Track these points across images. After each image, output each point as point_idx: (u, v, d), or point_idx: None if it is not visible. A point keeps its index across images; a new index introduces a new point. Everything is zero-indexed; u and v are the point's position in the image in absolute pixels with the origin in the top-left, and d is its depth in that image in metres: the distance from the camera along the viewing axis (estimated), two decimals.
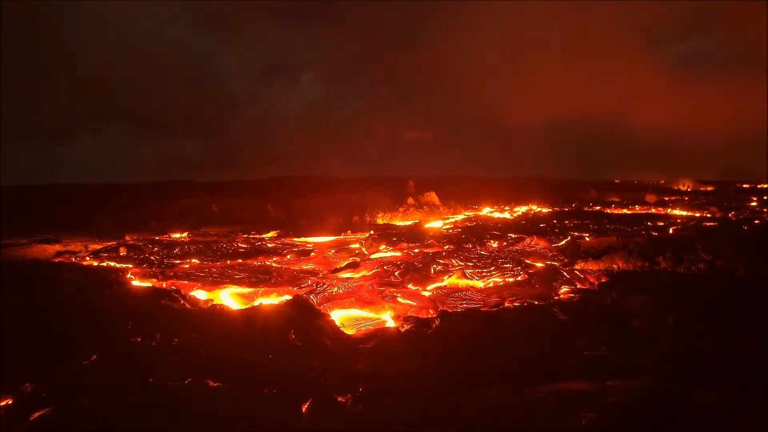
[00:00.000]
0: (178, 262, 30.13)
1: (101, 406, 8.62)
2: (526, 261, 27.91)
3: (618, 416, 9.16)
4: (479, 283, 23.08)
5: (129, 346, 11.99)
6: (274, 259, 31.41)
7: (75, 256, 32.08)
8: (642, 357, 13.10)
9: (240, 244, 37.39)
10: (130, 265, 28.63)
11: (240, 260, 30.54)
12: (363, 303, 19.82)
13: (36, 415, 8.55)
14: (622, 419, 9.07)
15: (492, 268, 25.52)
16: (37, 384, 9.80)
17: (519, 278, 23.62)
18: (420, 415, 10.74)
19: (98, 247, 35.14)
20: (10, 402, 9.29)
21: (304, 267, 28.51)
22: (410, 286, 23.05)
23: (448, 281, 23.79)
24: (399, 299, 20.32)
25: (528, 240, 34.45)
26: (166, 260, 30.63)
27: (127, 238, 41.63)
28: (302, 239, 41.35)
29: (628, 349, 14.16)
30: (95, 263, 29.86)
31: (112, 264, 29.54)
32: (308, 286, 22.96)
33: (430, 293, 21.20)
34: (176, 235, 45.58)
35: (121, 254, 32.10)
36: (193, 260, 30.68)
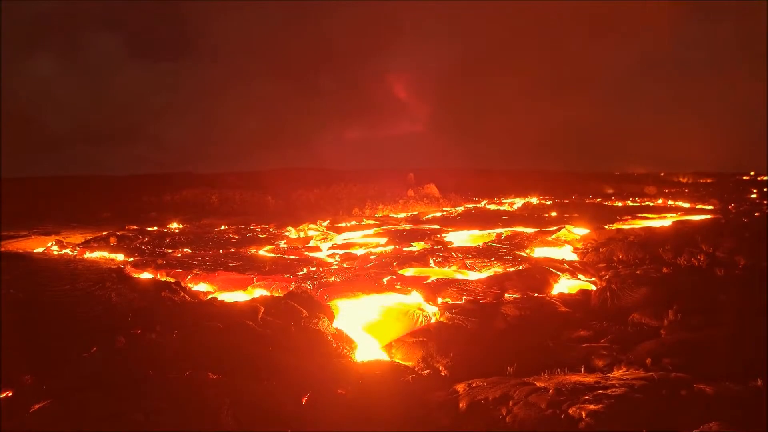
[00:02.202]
0: (169, 251, 30.11)
1: (101, 398, 8.60)
2: (526, 252, 27.85)
3: (619, 407, 9.15)
4: (480, 274, 22.95)
5: (129, 338, 11.95)
6: (268, 248, 31.51)
7: (74, 247, 32.10)
8: (643, 349, 13.10)
9: (231, 235, 37.50)
10: (121, 255, 28.65)
11: (232, 249, 30.57)
12: (364, 292, 19.69)
13: (36, 407, 8.52)
14: (622, 410, 9.06)
15: (492, 259, 25.29)
16: (37, 376, 9.78)
17: (520, 267, 23.49)
18: (419, 407, 10.76)
19: (91, 238, 35.14)
20: (10, 394, 9.27)
21: (300, 256, 28.59)
22: (408, 273, 23.02)
23: (449, 271, 23.76)
24: (398, 287, 20.23)
25: (528, 232, 34.41)
26: (157, 249, 30.65)
27: (128, 228, 41.77)
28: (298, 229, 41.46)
29: (629, 341, 14.17)
30: (88, 252, 29.87)
31: (102, 254, 29.59)
32: (304, 274, 22.94)
33: (430, 283, 21.03)
34: (174, 226, 45.72)
35: (112, 244, 32.07)
36: (185, 249, 30.68)
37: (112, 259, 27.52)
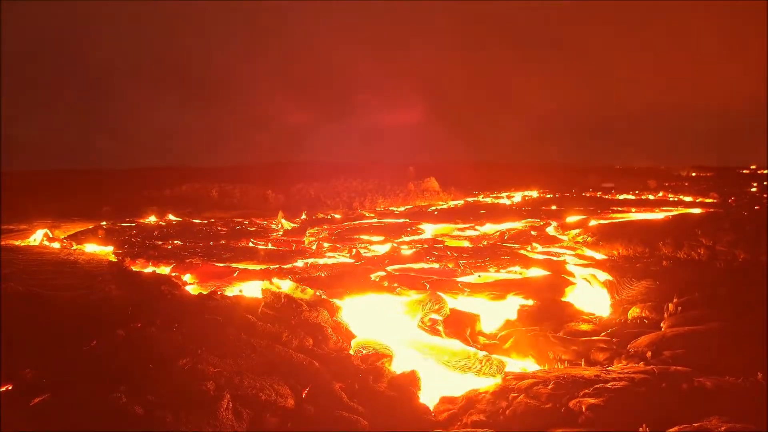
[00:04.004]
0: (159, 243, 30.14)
1: (101, 392, 8.59)
2: (525, 250, 26.79)
3: (619, 401, 9.16)
4: (476, 275, 21.68)
5: (129, 331, 11.93)
6: (257, 241, 31.65)
7: (62, 240, 32.22)
8: (643, 342, 13.12)
9: (220, 228, 37.59)
10: (111, 247, 28.77)
11: (223, 241, 30.67)
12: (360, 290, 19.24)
13: (36, 401, 8.52)
14: (622, 404, 9.07)
15: (487, 259, 23.80)
16: (37, 370, 9.78)
17: (518, 269, 22.06)
18: (419, 401, 10.79)
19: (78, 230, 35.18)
20: (10, 388, 9.27)
21: (293, 248, 28.74)
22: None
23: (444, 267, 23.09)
24: (395, 287, 19.45)
25: (527, 229, 33.69)
26: (147, 241, 30.67)
27: (131, 222, 42.04)
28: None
29: (629, 334, 14.19)
30: (75, 244, 29.93)
31: (92, 246, 29.71)
32: (292, 267, 22.97)
33: (429, 282, 19.92)
34: (172, 218, 45.91)
35: (100, 236, 32.02)
36: (176, 241, 30.70)
37: (112, 253, 27.58)
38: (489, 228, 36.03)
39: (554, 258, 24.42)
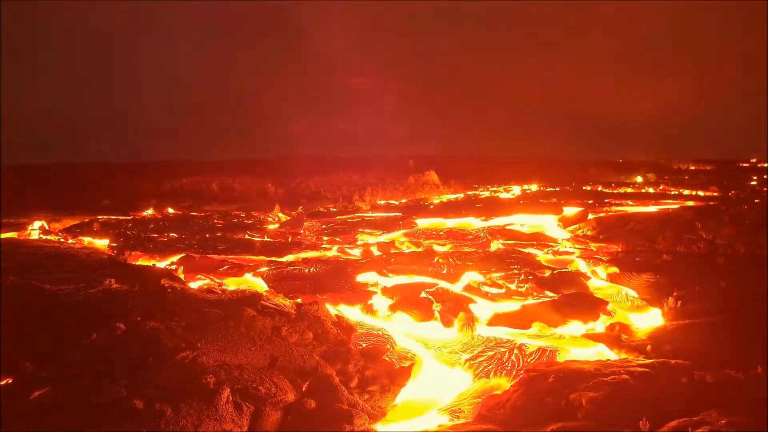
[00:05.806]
0: (155, 236, 30.14)
1: (101, 385, 8.59)
2: (533, 254, 24.46)
3: (619, 394, 9.17)
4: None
5: (129, 325, 11.92)
6: (253, 233, 31.72)
7: (57, 233, 32.26)
8: (643, 336, 13.13)
9: (216, 221, 37.60)
10: (107, 240, 28.82)
11: (219, 234, 30.73)
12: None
13: (36, 394, 8.53)
14: (622, 397, 9.08)
15: (493, 269, 21.05)
16: (37, 363, 9.78)
17: (527, 285, 19.05)
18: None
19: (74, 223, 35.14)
20: (10, 381, 9.28)
21: (289, 241, 28.81)
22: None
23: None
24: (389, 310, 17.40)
25: (531, 231, 32.31)
26: (142, 234, 30.67)
27: (130, 215, 42.17)
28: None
29: (630, 328, 14.20)
30: (71, 239, 29.95)
31: (87, 239, 29.75)
32: (290, 262, 23.02)
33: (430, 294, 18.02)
34: (171, 212, 46.00)
35: (95, 229, 31.97)
36: (171, 234, 30.68)
37: (108, 246, 27.62)
38: (487, 224, 35.62)
39: (570, 269, 21.75)
